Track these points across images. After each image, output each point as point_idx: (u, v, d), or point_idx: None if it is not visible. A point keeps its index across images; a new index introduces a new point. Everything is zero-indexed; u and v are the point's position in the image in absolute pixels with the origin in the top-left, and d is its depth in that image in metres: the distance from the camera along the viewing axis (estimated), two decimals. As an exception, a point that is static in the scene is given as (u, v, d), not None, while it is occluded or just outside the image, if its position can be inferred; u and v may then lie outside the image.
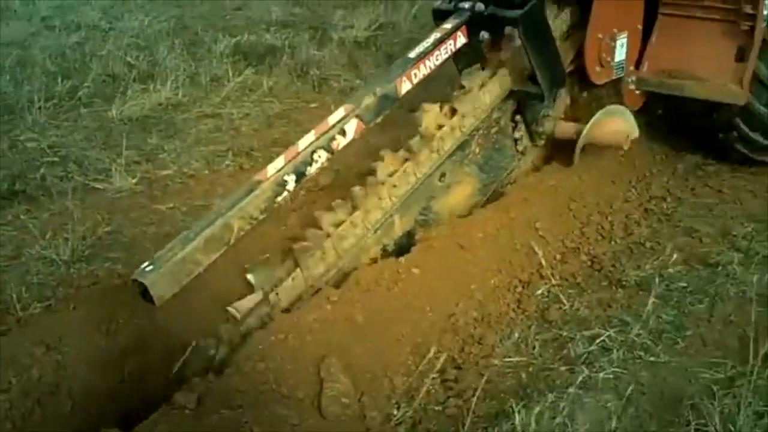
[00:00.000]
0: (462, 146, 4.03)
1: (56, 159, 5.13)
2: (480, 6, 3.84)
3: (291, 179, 3.25)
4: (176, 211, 4.59)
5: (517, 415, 3.01)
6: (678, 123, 5.15)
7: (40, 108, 5.73)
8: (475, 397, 3.17)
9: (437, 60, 3.76)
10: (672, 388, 3.22)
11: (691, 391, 3.18)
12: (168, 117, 5.76)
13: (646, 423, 3.06)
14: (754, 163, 4.89)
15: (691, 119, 4.97)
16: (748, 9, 4.32)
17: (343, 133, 3.43)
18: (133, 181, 4.82)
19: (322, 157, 3.36)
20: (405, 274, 3.48)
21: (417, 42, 7.19)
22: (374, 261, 3.67)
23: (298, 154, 3.30)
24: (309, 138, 3.36)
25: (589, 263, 4.07)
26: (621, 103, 4.63)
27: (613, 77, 4.55)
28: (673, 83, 4.62)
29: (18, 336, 3.23)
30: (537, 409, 3.04)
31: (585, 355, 3.38)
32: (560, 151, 4.57)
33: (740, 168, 4.94)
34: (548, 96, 4.14)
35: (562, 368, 3.33)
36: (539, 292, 3.81)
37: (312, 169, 3.34)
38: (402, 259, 3.57)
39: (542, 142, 4.53)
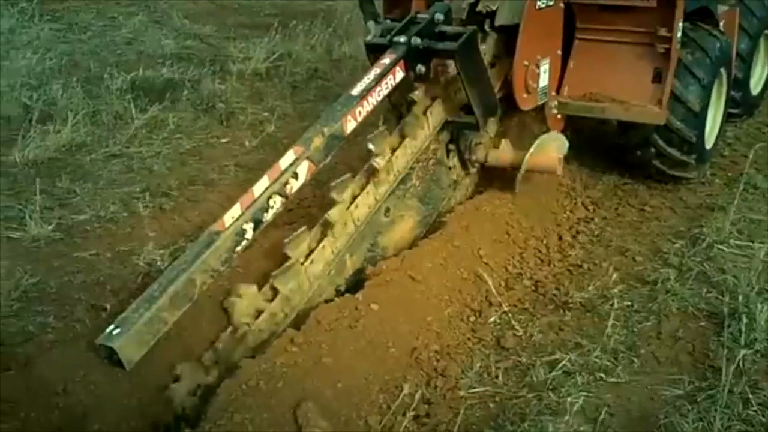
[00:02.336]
0: (403, 180, 4.01)
1: (-40, 209, 4.79)
2: (416, 40, 3.84)
3: (249, 227, 3.20)
4: (101, 258, 4.36)
5: (497, 446, 3.00)
6: (595, 142, 5.31)
7: (-68, 154, 5.34)
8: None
9: (379, 96, 3.75)
10: (637, 407, 3.29)
11: (655, 408, 3.25)
12: (74, 159, 5.49)
13: (619, 445, 3.11)
14: (669, 180, 5.09)
15: (609, 138, 5.14)
16: (663, 32, 4.51)
17: (295, 176, 3.39)
18: (50, 228, 4.56)
19: (277, 202, 3.32)
20: (365, 311, 3.42)
21: (318, 72, 7.39)
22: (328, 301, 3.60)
23: (254, 201, 3.23)
24: (263, 183, 3.29)
25: (533, 288, 4.13)
26: (544, 127, 4.74)
27: (539, 103, 4.64)
28: (594, 106, 4.76)
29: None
30: (515, 439, 3.05)
31: (548, 381, 3.40)
32: (491, 177, 4.64)
33: (657, 186, 5.15)
34: (482, 125, 4.19)
35: (529, 395, 3.34)
36: (492, 320, 3.82)
37: (269, 215, 3.29)
38: (359, 295, 3.50)
39: (475, 170, 4.57)
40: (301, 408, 2.87)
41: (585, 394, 3.31)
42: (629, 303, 3.94)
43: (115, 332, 2.74)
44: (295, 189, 3.38)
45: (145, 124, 6.00)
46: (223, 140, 6.00)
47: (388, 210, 3.94)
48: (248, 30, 8.41)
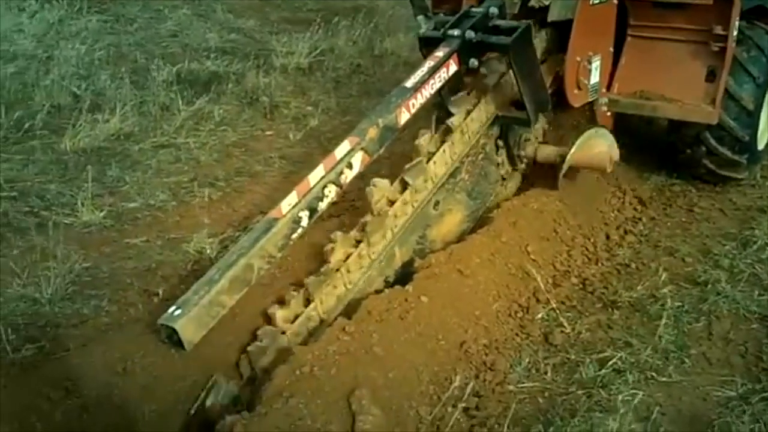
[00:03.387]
0: (453, 174, 4.02)
1: (14, 194, 4.86)
2: (470, 33, 3.84)
3: (305, 215, 3.22)
4: (151, 245, 4.42)
5: (547, 441, 3.00)
6: (643, 142, 5.28)
7: (-13, 141, 5.43)
8: (499, 425, 3.14)
9: (432, 88, 3.75)
10: (689, 407, 3.28)
11: (707, 409, 3.24)
12: (123, 148, 5.55)
13: (670, 444, 3.10)
14: (719, 181, 5.05)
15: (656, 137, 5.11)
16: (718, 30, 4.47)
17: (350, 166, 3.40)
18: (101, 214, 4.62)
19: (332, 191, 3.33)
20: (414, 303, 3.43)
21: (361, 67, 7.41)
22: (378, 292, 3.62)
23: (310, 189, 3.25)
24: (319, 173, 3.31)
25: (580, 286, 4.12)
26: (594, 124, 4.72)
27: (589, 99, 4.62)
28: (645, 104, 4.73)
29: (26, 379, 3.01)
30: (566, 433, 3.05)
31: (598, 378, 3.40)
32: (539, 174, 4.63)
33: (706, 187, 5.11)
34: (533, 120, 4.17)
35: (579, 392, 3.34)
36: (539, 316, 3.82)
37: (323, 204, 3.31)
38: (409, 287, 3.52)
39: (523, 166, 4.57)
40: (354, 395, 2.89)
41: (636, 392, 3.29)
42: (679, 303, 3.90)
43: (176, 313, 2.78)
44: (349, 179, 3.39)
45: (191, 115, 6.04)
46: (268, 133, 6.04)
47: (437, 203, 3.95)
48: (290, 25, 8.42)
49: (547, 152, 4.45)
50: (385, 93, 6.70)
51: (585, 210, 4.60)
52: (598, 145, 4.33)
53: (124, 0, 8.47)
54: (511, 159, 4.50)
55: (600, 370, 3.45)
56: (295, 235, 3.20)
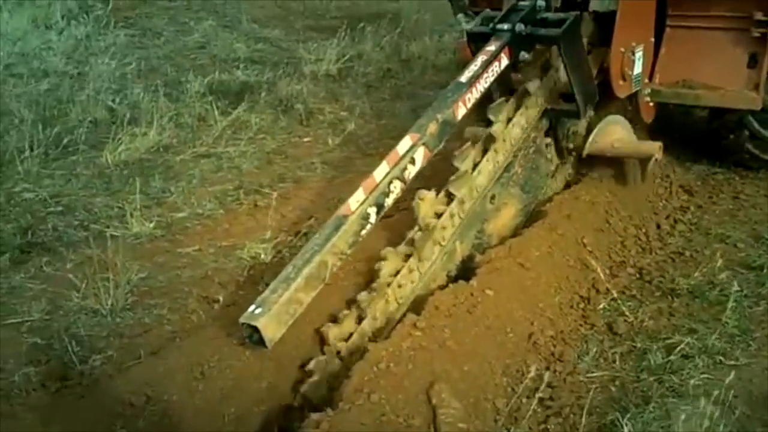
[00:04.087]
0: (507, 167, 4.03)
1: (61, 208, 4.91)
2: (520, 27, 3.86)
3: (373, 212, 3.25)
4: (204, 253, 4.44)
5: (625, 427, 2.99)
6: (682, 132, 5.28)
7: (27, 158, 5.47)
8: (575, 415, 3.14)
9: (486, 82, 3.76)
10: (759, 388, 3.27)
11: (778, 391, 3.24)
12: (163, 159, 5.59)
13: (747, 425, 3.09)
14: (762, 166, 5.05)
15: (696, 126, 5.11)
16: (759, 16, 4.47)
17: (413, 161, 3.43)
18: (151, 225, 4.65)
19: (397, 187, 3.36)
20: (481, 297, 3.44)
21: (391, 72, 7.44)
22: (443, 287, 3.63)
23: (376, 185, 3.27)
24: (383, 169, 3.34)
25: (637, 275, 4.11)
26: (636, 115, 4.74)
27: (633, 90, 4.63)
28: (687, 93, 4.73)
29: (104, 389, 3.03)
30: (643, 420, 3.04)
31: (667, 365, 3.40)
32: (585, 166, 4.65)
33: (749, 174, 5.10)
34: (583, 112, 4.18)
35: (650, 379, 3.33)
36: (601, 306, 3.82)
37: (389, 200, 3.33)
38: (473, 282, 3.52)
39: (572, 158, 4.58)
40: (434, 389, 2.90)
41: (706, 376, 3.29)
42: (738, 288, 3.87)
43: (257, 311, 2.81)
44: (412, 174, 3.42)
45: (228, 125, 6.09)
46: (306, 139, 6.07)
47: (493, 197, 3.96)
48: (316, 33, 8.49)
49: (595, 144, 4.44)
50: (417, 96, 6.90)
51: (634, 200, 4.59)
52: (614, 131, 4.40)
53: (151, 14, 8.54)
54: (560, 152, 4.50)
55: (668, 356, 3.44)
56: (364, 232, 3.23)
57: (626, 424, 3.01)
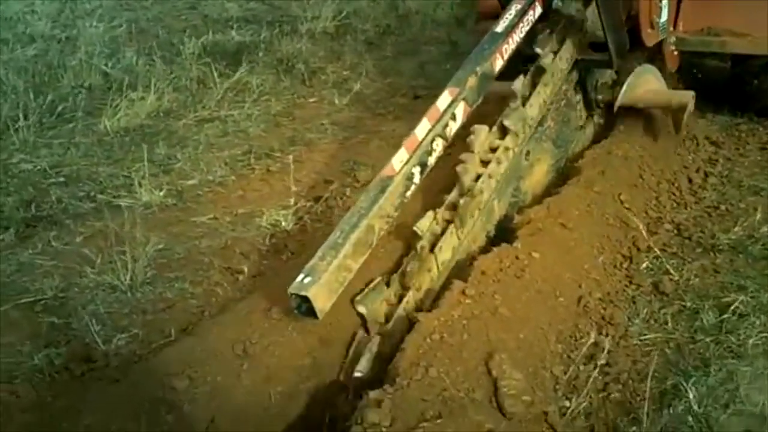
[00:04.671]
0: (540, 121, 3.85)
1: (63, 179, 4.68)
2: (554, -26, 3.66)
3: (417, 171, 3.07)
4: (220, 221, 4.25)
5: (689, 392, 2.86)
6: (699, 83, 5.12)
7: (22, 127, 5.22)
8: (633, 381, 3.01)
9: (521, 33, 3.57)
10: (817, 345, 3.14)
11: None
12: (165, 125, 5.36)
13: (811, 384, 2.97)
14: None
15: (722, 71, 4.96)
16: None
17: (453, 117, 3.24)
18: (160, 194, 4.44)
19: (439, 145, 3.18)
20: (527, 260, 3.26)
21: (390, 28, 7.21)
22: (483, 249, 3.46)
23: (419, 144, 3.08)
24: (425, 126, 3.14)
25: (675, 231, 3.96)
26: (662, 65, 4.58)
27: (660, 38, 4.45)
28: (714, 41, 4.57)
29: (140, 372, 2.84)
30: (707, 384, 2.91)
31: (722, 324, 3.26)
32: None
33: (769, 123, 4.97)
34: (616, 61, 4.01)
35: (706, 339, 3.19)
36: (644, 265, 3.67)
37: (432, 159, 3.15)
38: (517, 244, 3.35)
39: (600, 111, 4.41)
40: (494, 359, 2.73)
41: (765, 335, 3.16)
42: (781, 242, 3.77)
43: (306, 281, 2.62)
44: (453, 131, 3.23)
45: (229, 88, 5.87)
46: (311, 100, 5.86)
47: (528, 153, 3.79)
48: (308, -11, 8.21)
49: (628, 96, 4.27)
50: (420, 53, 6.67)
51: (664, 154, 4.44)
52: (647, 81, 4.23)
53: (134, -25, 8.21)
54: (588, 104, 4.33)
55: (721, 315, 3.31)
56: (409, 193, 3.04)
57: (690, 390, 2.88)
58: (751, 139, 4.86)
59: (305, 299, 2.61)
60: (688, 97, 4.15)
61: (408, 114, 5.54)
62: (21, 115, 5.30)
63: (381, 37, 7.09)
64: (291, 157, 4.65)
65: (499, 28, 3.50)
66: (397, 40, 7.05)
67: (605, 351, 3.12)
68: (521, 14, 3.55)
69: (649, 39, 4.34)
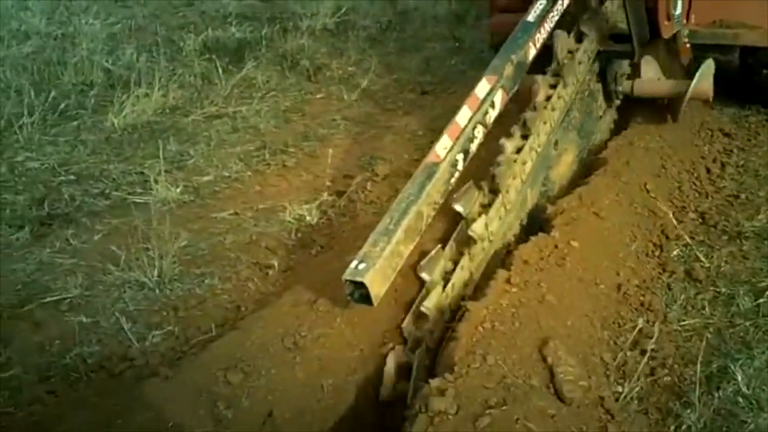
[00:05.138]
0: (567, 112, 3.85)
1: (73, 177, 4.59)
2: (583, -37, 3.67)
3: (460, 158, 3.06)
4: (242, 217, 4.19)
5: (738, 375, 2.87)
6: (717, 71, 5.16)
7: (25, 125, 5.10)
8: (679, 365, 3.02)
9: (552, 22, 3.58)
10: None
11: None
12: (173, 121, 5.29)
13: None
14: None
15: (730, 64, 5.01)
16: None
17: (492, 105, 3.23)
18: (177, 190, 4.37)
19: (480, 132, 3.17)
20: (567, 249, 3.26)
21: (392, 24, 7.20)
22: (517, 238, 3.48)
23: (462, 131, 3.07)
24: (466, 114, 3.12)
25: (700, 220, 4.00)
26: (676, 56, 4.61)
27: (675, 30, 4.48)
28: (726, 33, 4.64)
29: (187, 366, 2.78)
30: (753, 366, 2.93)
31: (758, 309, 3.30)
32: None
33: (777, 115, 5.03)
34: (639, 52, 4.03)
35: (746, 323, 3.22)
36: (674, 253, 3.70)
37: (474, 146, 3.13)
38: (555, 233, 3.34)
39: (618, 102, 4.43)
40: (548, 346, 2.72)
41: (801, 318, 3.19)
42: (805, 228, 3.81)
43: (360, 267, 2.60)
44: (493, 118, 3.22)
45: (235, 84, 5.80)
46: (318, 96, 5.83)
47: (557, 142, 3.79)
48: (306, -14, 8.16)
49: (645, 86, 4.29)
50: (423, 49, 6.69)
51: (681, 145, 4.49)
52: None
53: (130, -28, 8.11)
54: (607, 95, 4.35)
55: (756, 300, 3.35)
56: (453, 180, 3.04)
57: (738, 372, 2.89)
58: (761, 130, 4.93)
59: (360, 285, 2.59)
60: (708, 86, 4.18)
61: (418, 109, 5.55)
62: (25, 113, 5.18)
63: (383, 34, 7.07)
64: (330, 150, 4.60)
65: (531, 17, 3.50)
66: (399, 36, 7.04)
67: (651, 337, 3.13)
68: (552, 2, 3.54)
69: (667, 30, 4.35)
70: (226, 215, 4.20)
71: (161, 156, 4.54)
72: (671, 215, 3.81)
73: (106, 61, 6.02)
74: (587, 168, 4.09)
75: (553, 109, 3.68)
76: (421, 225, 2.86)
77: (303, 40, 6.60)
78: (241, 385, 2.60)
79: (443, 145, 3.02)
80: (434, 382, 2.55)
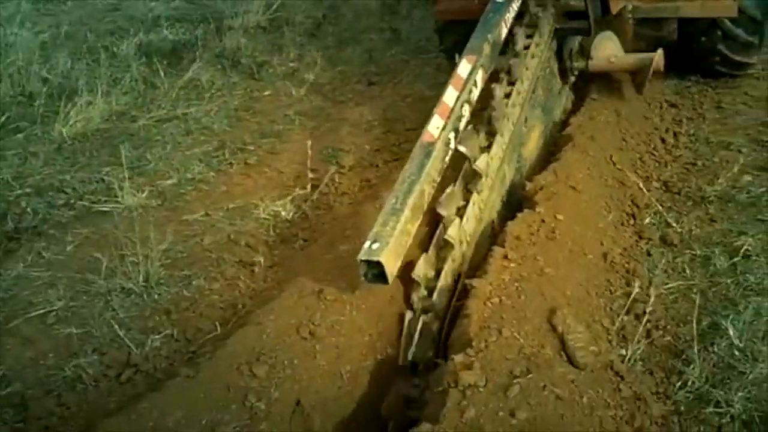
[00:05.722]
0: (532, 89, 3.95)
1: (30, 189, 4.46)
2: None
3: (452, 137, 3.14)
4: (214, 217, 4.17)
5: (730, 329, 3.00)
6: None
7: (-35, 140, 4.94)
8: (671, 325, 3.14)
9: (519, 1, 3.66)
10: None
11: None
12: (123, 127, 5.20)
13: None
14: (732, 69, 5.21)
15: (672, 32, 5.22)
16: None
17: (475, 84, 3.31)
18: (143, 195, 4.30)
19: (466, 110, 3.25)
20: (554, 223, 3.35)
21: (326, 18, 7.19)
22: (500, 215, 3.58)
23: (451, 110, 3.13)
24: (452, 94, 3.20)
25: (664, 188, 4.14)
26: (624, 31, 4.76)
27: (623, 5, 4.62)
28: (668, 6, 4.80)
29: (209, 364, 2.75)
30: (742, 320, 3.06)
31: (735, 267, 3.44)
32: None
33: (718, 84, 5.27)
34: (594, 28, 4.15)
35: (727, 281, 3.36)
36: (647, 221, 3.83)
37: (462, 124, 3.22)
38: (539, 209, 3.42)
39: (573, 78, 4.56)
40: (557, 316, 2.80)
41: (775, 271, 3.35)
42: (762, 188, 3.99)
43: (374, 246, 2.65)
44: (476, 97, 3.32)
45: (180, 87, 5.71)
46: (266, 93, 5.82)
47: (526, 119, 3.89)
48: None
49: (600, 61, 4.43)
50: (361, 41, 6.71)
51: (635, 118, 4.64)
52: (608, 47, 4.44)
53: (45, -21, 7.88)
54: (562, 73, 4.46)
55: (731, 259, 3.49)
56: (447, 158, 3.12)
57: (729, 327, 3.02)
58: (704, 99, 5.13)
59: (376, 264, 2.64)
60: (659, 57, 4.33)
61: (368, 100, 5.59)
62: (-37, 128, 5.02)
63: (318, 28, 7.07)
64: (309, 143, 4.54)
65: None
66: (335, 30, 7.04)
67: (642, 302, 3.24)
68: (518, -17, 3.63)
69: (615, 6, 4.51)
70: (198, 217, 4.17)
71: (123, 163, 4.44)
72: (641, 184, 3.94)
73: (42, 70, 5.83)
74: (552, 144, 4.20)
75: (533, 57, 3.80)
76: (424, 203, 2.93)
77: (239, 38, 6.55)
78: (268, 377, 2.61)
79: (435, 125, 3.08)
80: (458, 358, 2.60)
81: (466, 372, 2.51)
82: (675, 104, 5.00)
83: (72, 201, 4.32)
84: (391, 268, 2.66)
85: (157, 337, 3.25)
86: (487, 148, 3.41)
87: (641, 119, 4.68)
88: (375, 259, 2.62)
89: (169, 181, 4.51)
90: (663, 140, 4.56)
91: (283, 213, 4.09)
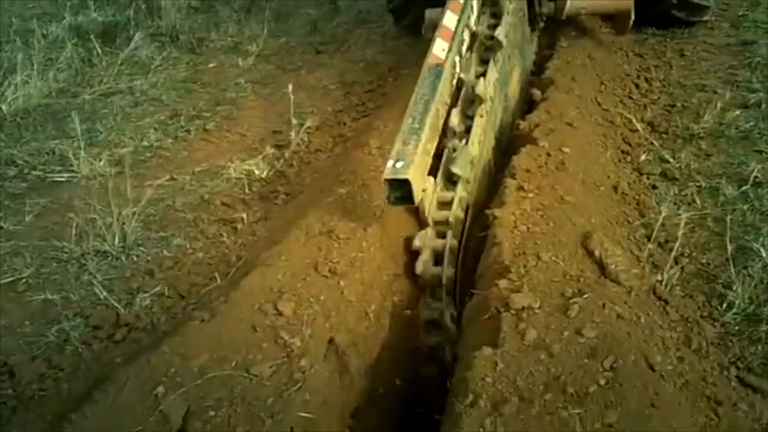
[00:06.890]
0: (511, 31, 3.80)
1: (-22, 165, 4.06)
2: None
3: (457, 60, 3.00)
4: (181, 181, 3.87)
5: (762, 250, 2.90)
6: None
7: None
8: (695, 252, 3.02)
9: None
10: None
11: None
12: (67, 102, 4.83)
13: None
14: (682, 22, 5.23)
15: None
16: None
17: (471, 8, 3.18)
18: (100, 163, 3.96)
19: (467, 36, 3.12)
20: (560, 155, 3.21)
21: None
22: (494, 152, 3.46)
23: (453, 34, 2.96)
24: (452, 17, 3.04)
25: (650, 128, 4.04)
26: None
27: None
28: None
29: (225, 308, 2.45)
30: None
31: (745, 195, 3.35)
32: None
33: (674, 35, 5.27)
34: (566, -28, 4.05)
35: (743, 207, 3.26)
36: (643, 157, 3.71)
37: (464, 49, 3.09)
38: (543, 143, 3.26)
39: (542, 24, 4.46)
40: (593, 240, 2.64)
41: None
42: (750, 123, 3.93)
43: (399, 165, 2.48)
44: (473, 22, 3.22)
45: (119, 63, 5.36)
46: (211, 65, 5.54)
47: (509, 57, 3.72)
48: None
49: (579, 6, 4.34)
50: (298, 14, 6.45)
51: (608, 64, 4.56)
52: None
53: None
54: (532, 19, 4.34)
55: (739, 188, 3.40)
56: (454, 81, 2.98)
57: (761, 249, 2.91)
58: (665, 49, 5.10)
59: (401, 184, 2.47)
60: (629, 2, 4.26)
61: (320, 67, 5.41)
62: None
63: (254, 3, 6.79)
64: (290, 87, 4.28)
65: None
66: (272, 5, 6.75)
67: (660, 231, 3.09)
68: None
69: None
70: (164, 182, 3.86)
71: (77, 133, 4.08)
72: (634, 121, 3.84)
73: (-32, 54, 5.40)
74: (530, 87, 4.07)
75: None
76: (439, 123, 2.77)
77: (173, 17, 6.21)
78: (296, 314, 2.34)
79: (440, 47, 2.93)
80: (502, 283, 2.40)
81: (517, 295, 2.31)
82: (639, 54, 4.95)
83: (25, 171, 3.95)
84: (416, 188, 2.49)
85: (145, 295, 2.95)
86: (483, 75, 3.25)
87: (612, 65, 4.61)
88: (402, 177, 2.43)
89: (126, 149, 4.18)
90: (637, 85, 4.50)
91: (256, 172, 3.83)
